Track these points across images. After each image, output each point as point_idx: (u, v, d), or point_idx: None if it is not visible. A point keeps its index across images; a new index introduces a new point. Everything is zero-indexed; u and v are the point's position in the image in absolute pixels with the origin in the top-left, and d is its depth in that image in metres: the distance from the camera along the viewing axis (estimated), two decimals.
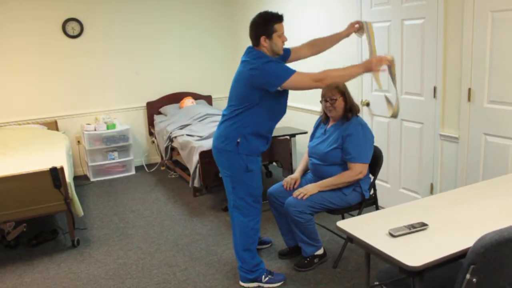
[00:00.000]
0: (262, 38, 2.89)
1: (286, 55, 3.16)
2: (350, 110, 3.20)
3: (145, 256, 3.73)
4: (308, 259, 3.31)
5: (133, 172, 6.24)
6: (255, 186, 3.10)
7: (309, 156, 3.40)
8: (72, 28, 6.00)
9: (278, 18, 2.91)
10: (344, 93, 3.19)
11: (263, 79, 2.82)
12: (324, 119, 3.39)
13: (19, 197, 3.70)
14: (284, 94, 3.00)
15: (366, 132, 3.18)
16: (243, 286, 3.18)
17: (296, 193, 3.18)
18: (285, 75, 2.78)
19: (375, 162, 3.34)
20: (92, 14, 6.06)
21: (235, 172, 3.08)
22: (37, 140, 5.32)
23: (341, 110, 3.21)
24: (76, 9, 5.98)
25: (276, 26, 2.89)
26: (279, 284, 3.16)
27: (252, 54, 2.91)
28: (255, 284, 3.16)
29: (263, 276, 3.15)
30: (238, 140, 3.00)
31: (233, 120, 3.02)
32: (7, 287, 3.37)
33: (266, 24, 2.89)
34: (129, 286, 3.28)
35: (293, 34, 5.23)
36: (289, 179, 3.41)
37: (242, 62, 2.96)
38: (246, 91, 2.91)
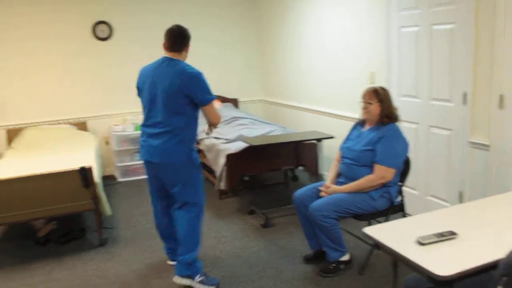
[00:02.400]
0: (187, 47, 3.25)
1: None
2: (387, 117, 3.20)
3: None
4: (333, 264, 3.30)
5: None
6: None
7: (342, 157, 3.40)
8: (102, 30, 6.11)
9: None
10: (383, 101, 3.19)
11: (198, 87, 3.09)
12: (362, 121, 3.39)
13: (49, 195, 3.78)
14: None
15: (399, 140, 3.17)
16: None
17: (321, 188, 3.33)
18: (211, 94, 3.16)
19: (403, 168, 3.30)
20: (121, 17, 6.17)
21: None
22: (68, 140, 5.44)
23: (376, 115, 3.21)
24: (105, 12, 6.10)
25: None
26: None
27: (185, 65, 3.14)
28: (188, 282, 3.22)
29: (198, 276, 3.23)
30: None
31: None
32: (36, 283, 3.45)
33: (190, 38, 3.27)
34: (155, 285, 3.32)
35: (320, 39, 5.22)
36: (324, 188, 3.37)
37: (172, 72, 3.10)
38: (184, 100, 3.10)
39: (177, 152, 3.14)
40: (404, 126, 4.09)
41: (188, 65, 3.15)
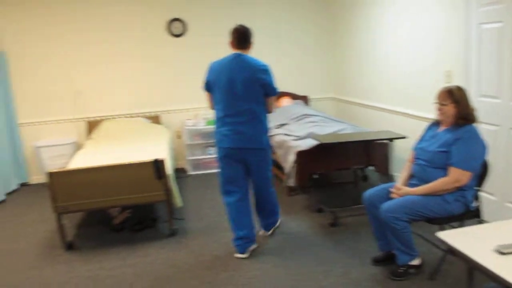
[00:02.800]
0: (251, 44, 3.65)
1: None
2: (463, 118, 3.06)
3: None
4: (403, 268, 3.21)
5: None
6: (220, 173, 3.80)
7: (415, 157, 3.30)
8: (176, 27, 6.29)
9: None
10: (458, 102, 3.06)
11: (270, 79, 3.60)
12: (437, 121, 3.28)
13: (124, 185, 3.95)
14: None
15: (476, 142, 3.02)
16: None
17: (393, 190, 3.24)
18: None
19: (481, 172, 3.16)
20: (195, 14, 6.33)
21: None
22: (142, 133, 5.66)
23: (450, 117, 3.08)
24: (180, 9, 6.27)
25: None
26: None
27: (255, 59, 3.59)
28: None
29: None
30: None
31: None
32: (112, 267, 3.64)
33: (253, 36, 3.65)
34: (222, 278, 3.39)
35: (394, 36, 5.09)
36: (395, 190, 3.29)
37: (245, 67, 3.53)
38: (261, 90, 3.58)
39: (262, 136, 3.67)
40: (483, 128, 3.91)
41: (257, 60, 3.59)
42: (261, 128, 3.64)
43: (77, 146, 6.05)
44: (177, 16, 6.28)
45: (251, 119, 3.56)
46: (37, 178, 6.21)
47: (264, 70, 3.54)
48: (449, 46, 4.26)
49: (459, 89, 3.09)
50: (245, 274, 3.43)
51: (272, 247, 3.85)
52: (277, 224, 4.17)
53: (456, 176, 3.00)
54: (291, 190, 5.11)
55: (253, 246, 3.78)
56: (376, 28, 5.53)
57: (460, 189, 3.07)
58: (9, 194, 5.75)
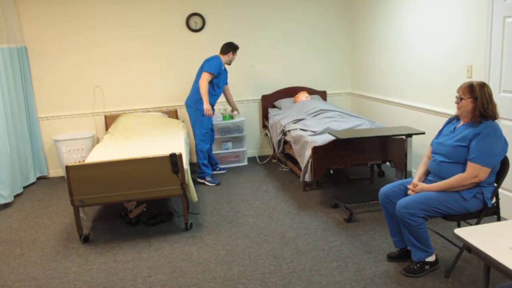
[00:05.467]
0: (229, 53, 5.54)
1: (226, 82, 5.81)
2: (482, 115, 2.99)
3: (252, 245, 3.82)
4: (418, 264, 3.17)
5: (245, 162, 6.40)
6: None
7: (433, 152, 3.25)
8: (195, 22, 6.29)
9: (237, 48, 5.61)
10: (477, 98, 2.99)
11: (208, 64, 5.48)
12: (457, 116, 3.21)
13: (141, 179, 3.96)
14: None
15: (497, 138, 2.95)
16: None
17: (409, 187, 3.20)
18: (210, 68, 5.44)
19: (500, 168, 3.09)
20: (214, 9, 6.31)
21: None
22: (159, 127, 5.68)
23: (467, 112, 3.02)
24: (199, 4, 6.26)
25: (235, 51, 5.60)
26: (214, 184, 5.54)
27: (214, 58, 5.50)
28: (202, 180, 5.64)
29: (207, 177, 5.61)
30: None
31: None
32: (127, 260, 3.66)
33: (234, 48, 5.58)
34: (236, 272, 3.39)
35: (414, 30, 5.02)
36: (412, 186, 3.25)
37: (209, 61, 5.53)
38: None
39: (197, 100, 5.51)
40: (504, 124, 3.83)
41: (214, 58, 5.47)
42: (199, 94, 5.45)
43: (95, 140, 6.12)
44: (196, 11, 6.27)
45: (196, 88, 5.48)
46: (55, 171, 6.29)
47: (207, 61, 5.44)
48: (471, 41, 4.18)
49: (482, 85, 3.00)
50: (258, 269, 3.42)
51: (286, 242, 3.83)
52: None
53: (474, 171, 2.94)
54: (307, 185, 5.09)
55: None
56: (396, 23, 5.45)
57: (478, 185, 3.01)
58: (26, 187, 5.83)
